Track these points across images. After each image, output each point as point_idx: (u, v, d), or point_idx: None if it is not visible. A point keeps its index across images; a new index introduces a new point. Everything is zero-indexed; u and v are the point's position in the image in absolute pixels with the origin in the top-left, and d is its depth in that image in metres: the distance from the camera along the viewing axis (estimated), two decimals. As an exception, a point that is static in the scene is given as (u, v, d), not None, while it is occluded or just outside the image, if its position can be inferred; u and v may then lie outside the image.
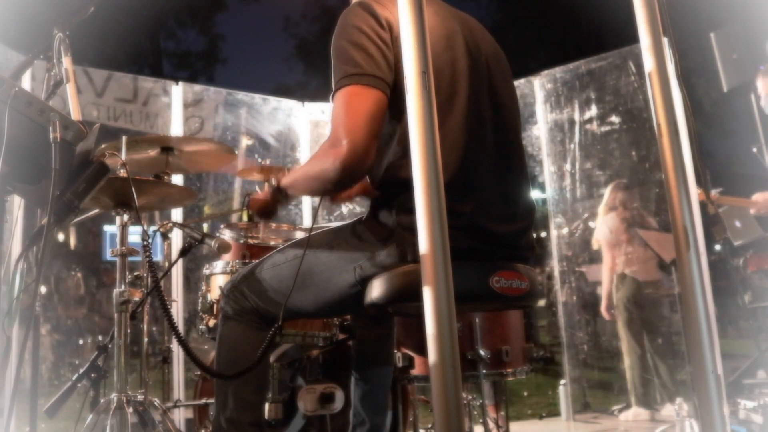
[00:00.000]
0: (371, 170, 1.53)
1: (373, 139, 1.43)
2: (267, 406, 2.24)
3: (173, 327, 1.75)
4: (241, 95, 4.79)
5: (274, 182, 1.71)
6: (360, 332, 2.14)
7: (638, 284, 4.56)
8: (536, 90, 4.81)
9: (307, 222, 4.55)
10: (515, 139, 1.69)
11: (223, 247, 2.16)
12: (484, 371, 2.26)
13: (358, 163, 1.42)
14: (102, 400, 2.14)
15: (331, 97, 1.50)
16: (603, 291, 4.69)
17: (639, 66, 4.40)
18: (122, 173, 2.06)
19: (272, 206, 1.79)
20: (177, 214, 4.04)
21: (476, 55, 1.61)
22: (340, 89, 1.46)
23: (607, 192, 4.81)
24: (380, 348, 2.12)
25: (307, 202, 4.72)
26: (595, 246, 4.88)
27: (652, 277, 4.64)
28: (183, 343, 1.73)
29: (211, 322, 2.38)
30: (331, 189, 1.58)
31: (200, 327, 2.45)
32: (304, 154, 4.84)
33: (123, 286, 2.13)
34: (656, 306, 4.67)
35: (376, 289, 1.50)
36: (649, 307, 4.56)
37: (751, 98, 3.77)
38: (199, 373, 2.92)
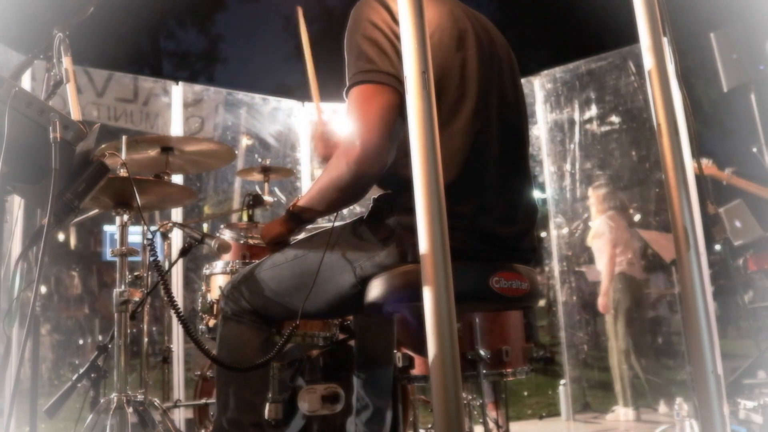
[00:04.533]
0: (384, 172, 1.47)
1: (386, 140, 1.41)
2: (267, 406, 2.24)
3: (183, 323, 1.75)
4: (241, 95, 4.78)
5: (289, 209, 1.67)
6: (360, 332, 2.14)
7: (633, 283, 4.57)
8: (536, 90, 4.80)
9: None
10: (521, 142, 1.67)
11: (223, 247, 2.16)
12: (484, 371, 2.25)
13: (372, 164, 1.41)
14: (102, 400, 2.14)
15: (345, 93, 1.49)
16: (602, 287, 4.69)
17: (639, 66, 4.40)
18: (122, 173, 2.06)
19: (286, 236, 1.74)
20: (177, 214, 4.04)
21: (488, 56, 1.59)
22: (353, 87, 1.45)
23: (594, 193, 4.79)
24: (380, 348, 2.12)
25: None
26: (589, 242, 4.87)
27: (642, 276, 4.67)
28: (194, 338, 1.74)
29: (211, 322, 2.38)
30: (349, 196, 1.53)
31: (200, 327, 2.45)
32: (304, 154, 4.83)
33: (123, 286, 2.13)
34: (643, 305, 4.69)
35: (376, 289, 1.50)
36: (637, 306, 4.57)
37: (751, 98, 3.77)
38: (198, 373, 2.92)
